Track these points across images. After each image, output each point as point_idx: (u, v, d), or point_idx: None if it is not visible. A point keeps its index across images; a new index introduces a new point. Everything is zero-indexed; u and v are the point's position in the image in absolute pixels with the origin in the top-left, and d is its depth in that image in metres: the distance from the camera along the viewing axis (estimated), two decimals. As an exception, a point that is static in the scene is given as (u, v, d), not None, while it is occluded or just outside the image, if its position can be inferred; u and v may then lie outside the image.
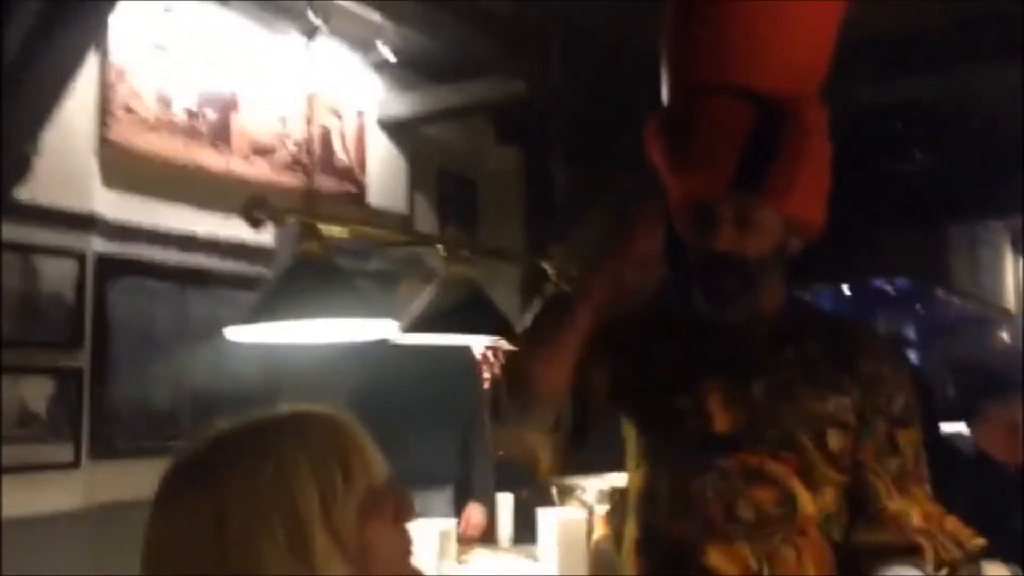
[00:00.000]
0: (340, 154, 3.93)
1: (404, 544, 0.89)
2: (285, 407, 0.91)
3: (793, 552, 1.45)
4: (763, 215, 1.45)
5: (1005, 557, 3.26)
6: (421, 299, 2.46)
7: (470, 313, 2.48)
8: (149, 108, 3.17)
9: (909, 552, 1.47)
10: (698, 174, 1.47)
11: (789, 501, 1.45)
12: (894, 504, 1.49)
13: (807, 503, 1.46)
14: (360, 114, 4.05)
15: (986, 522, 3.47)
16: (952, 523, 1.58)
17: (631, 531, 1.57)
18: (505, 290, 4.22)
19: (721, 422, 1.47)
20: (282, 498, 0.81)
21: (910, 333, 9.46)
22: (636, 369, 1.56)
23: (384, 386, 3.28)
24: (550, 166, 3.83)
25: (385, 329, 2.16)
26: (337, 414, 0.91)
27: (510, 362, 1.53)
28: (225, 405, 3.44)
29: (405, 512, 0.89)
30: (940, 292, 8.45)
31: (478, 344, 4.49)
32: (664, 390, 1.52)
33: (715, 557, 1.43)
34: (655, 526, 1.51)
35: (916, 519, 1.50)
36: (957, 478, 3.58)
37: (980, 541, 1.59)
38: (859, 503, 1.50)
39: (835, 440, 1.48)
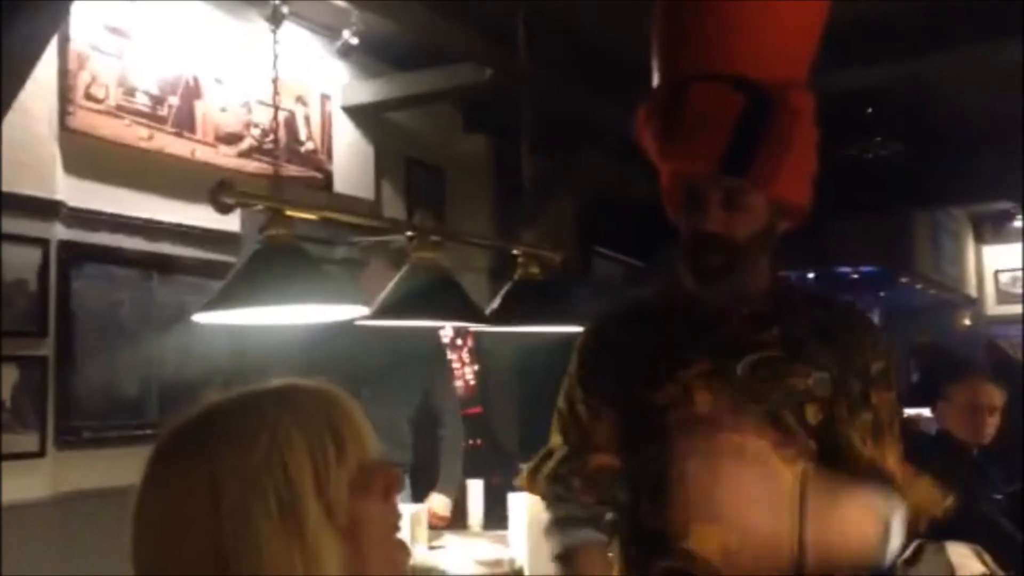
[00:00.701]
0: (306, 141, 3.91)
1: (393, 519, 0.89)
2: (276, 380, 0.91)
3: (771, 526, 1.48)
4: (750, 198, 1.49)
5: (966, 535, 3.33)
6: (390, 284, 2.46)
7: (438, 298, 2.48)
8: (111, 95, 3.13)
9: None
10: (687, 158, 1.51)
11: (769, 477, 1.47)
12: (868, 451, 1.53)
13: (786, 477, 1.48)
14: (325, 100, 4.03)
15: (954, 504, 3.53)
16: (925, 482, 1.63)
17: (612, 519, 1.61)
18: (473, 276, 4.23)
19: (705, 404, 1.50)
20: (275, 470, 0.81)
21: (875, 318, 9.58)
22: (616, 361, 1.59)
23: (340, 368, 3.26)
24: (518, 153, 3.83)
25: (353, 313, 2.16)
26: (329, 387, 0.91)
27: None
28: (193, 393, 3.43)
29: (393, 487, 0.89)
30: (903, 278, 8.56)
31: (446, 329, 4.51)
32: (647, 378, 1.54)
33: (695, 539, 1.46)
34: (636, 513, 1.54)
35: (890, 463, 1.54)
36: (920, 459, 3.65)
37: (949, 501, 1.67)
38: (832, 455, 1.52)
39: (812, 413, 1.51)
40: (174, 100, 3.34)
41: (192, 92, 3.41)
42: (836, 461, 1.52)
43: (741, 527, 1.45)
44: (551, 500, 1.64)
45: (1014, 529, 3.51)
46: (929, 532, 3.24)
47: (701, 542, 1.46)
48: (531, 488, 1.69)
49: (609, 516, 1.60)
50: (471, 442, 4.64)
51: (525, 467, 1.69)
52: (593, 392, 1.61)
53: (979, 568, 3.10)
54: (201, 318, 2.00)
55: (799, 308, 1.59)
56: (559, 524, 1.62)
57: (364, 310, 2.19)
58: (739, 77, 1.49)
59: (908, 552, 3.22)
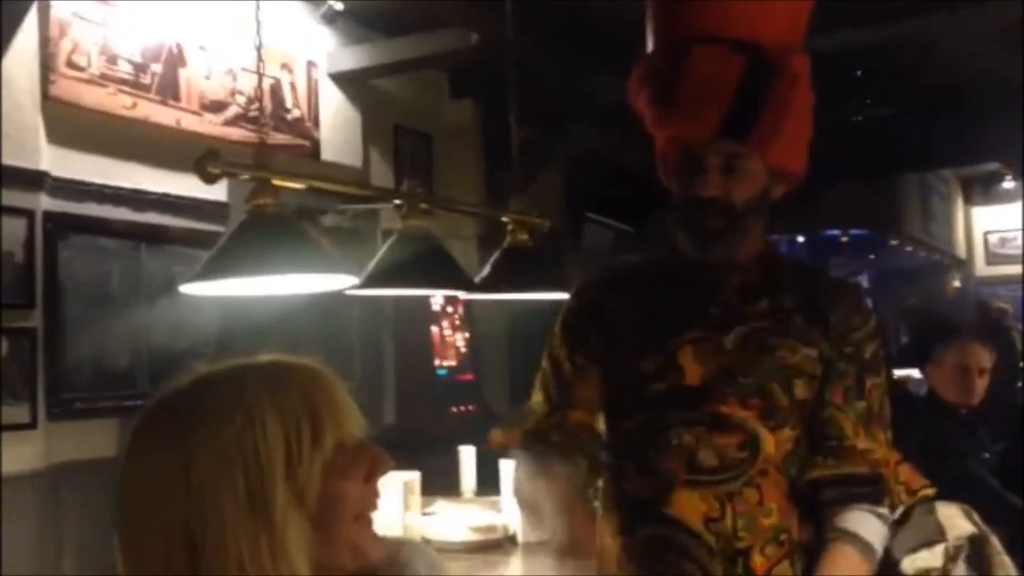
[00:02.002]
0: (292, 108, 3.87)
1: (369, 502, 0.88)
2: (265, 356, 0.90)
3: (755, 492, 1.49)
4: (749, 163, 1.49)
5: (955, 495, 3.35)
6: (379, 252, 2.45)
7: (428, 266, 2.47)
8: (93, 63, 3.09)
9: (870, 483, 1.53)
10: (686, 122, 1.49)
11: (752, 444, 1.49)
12: (860, 442, 1.53)
13: (769, 444, 1.49)
14: (311, 67, 3.99)
15: (937, 461, 3.57)
16: (906, 470, 1.64)
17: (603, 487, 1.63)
18: (463, 244, 4.22)
19: (693, 375, 1.49)
20: (247, 449, 0.81)
21: (864, 281, 9.62)
22: (604, 324, 1.59)
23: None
24: (506, 119, 3.81)
25: (342, 283, 2.15)
26: (316, 366, 0.90)
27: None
28: (183, 363, 3.42)
29: (377, 469, 0.88)
30: (893, 241, 8.58)
31: (436, 297, 4.50)
32: (636, 344, 1.53)
33: (677, 505, 1.47)
34: (620, 479, 1.55)
35: (881, 454, 1.56)
36: (910, 419, 3.68)
37: (930, 491, 1.66)
38: (822, 439, 1.54)
39: (801, 389, 1.51)
40: (157, 68, 3.30)
41: (176, 59, 3.37)
42: (824, 446, 1.53)
43: (726, 495, 1.47)
44: (524, 447, 1.61)
45: (1002, 488, 3.55)
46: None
47: (682, 508, 1.47)
48: (506, 441, 1.70)
49: (583, 464, 1.59)
50: (463, 408, 4.66)
51: (500, 426, 1.73)
52: (579, 351, 1.61)
53: (968, 528, 3.13)
54: (189, 289, 1.99)
55: (787, 279, 1.59)
56: (529, 459, 1.59)
57: (353, 280, 2.19)
58: (738, 40, 1.48)
59: (897, 513, 3.26)
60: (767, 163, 1.51)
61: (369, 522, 0.89)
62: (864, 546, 1.51)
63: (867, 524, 1.53)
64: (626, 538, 1.53)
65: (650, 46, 1.61)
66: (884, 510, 1.56)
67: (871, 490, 1.53)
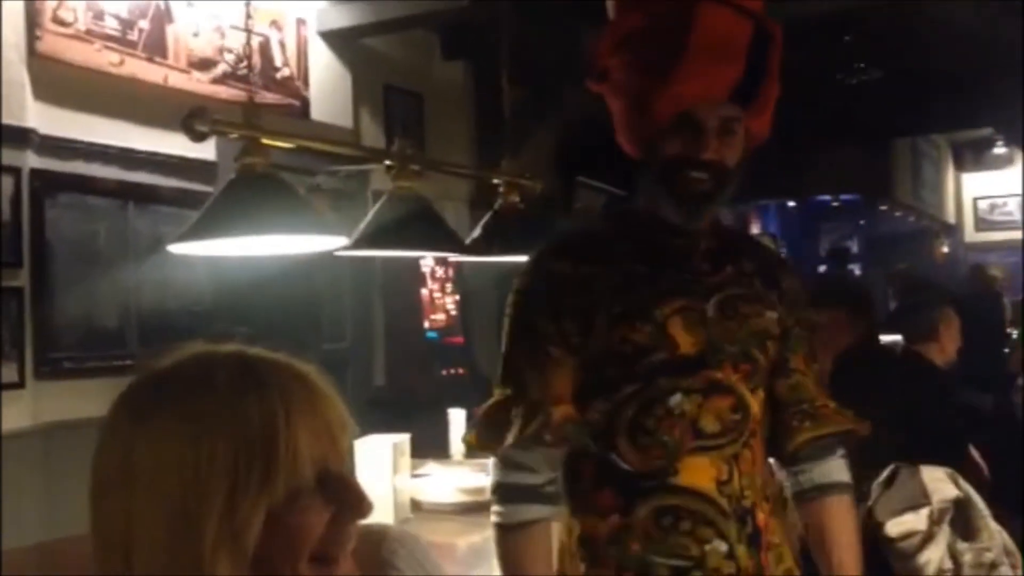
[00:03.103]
0: (281, 67, 3.83)
1: (335, 544, 0.78)
2: (255, 349, 0.81)
3: (750, 452, 1.54)
4: (740, 127, 1.51)
5: (938, 457, 3.40)
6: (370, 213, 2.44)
7: (419, 228, 2.46)
8: (79, 18, 3.04)
9: (841, 437, 1.65)
10: (700, 82, 1.47)
11: (743, 406, 1.52)
12: (822, 399, 1.64)
13: (755, 405, 1.55)
14: (301, 25, 3.94)
15: (922, 423, 3.62)
16: (849, 412, 1.71)
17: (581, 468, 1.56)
18: (454, 206, 4.20)
19: (686, 344, 1.50)
20: (187, 468, 0.73)
21: (853, 246, 9.65)
22: (581, 304, 1.52)
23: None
24: (498, 80, 3.77)
25: (332, 244, 2.14)
26: (307, 382, 0.79)
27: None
28: (173, 323, 3.41)
29: (351, 512, 0.79)
30: (882, 206, 8.59)
31: (427, 259, 4.49)
32: (621, 317, 1.50)
33: (685, 475, 1.48)
34: (614, 458, 1.50)
35: (835, 405, 1.66)
36: (895, 384, 3.71)
37: (867, 428, 1.72)
38: (796, 404, 1.61)
39: (771, 351, 1.58)
40: (144, 24, 3.25)
41: (163, 16, 3.32)
42: (800, 410, 1.61)
43: (731, 457, 1.50)
44: (506, 464, 1.53)
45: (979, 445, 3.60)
46: (901, 454, 3.31)
47: (693, 475, 1.48)
48: (483, 447, 1.56)
49: (553, 488, 1.53)
50: (453, 371, 4.66)
51: (471, 426, 1.57)
52: (555, 336, 1.51)
53: (953, 491, 3.17)
54: (177, 249, 1.97)
55: (740, 246, 1.64)
56: (509, 493, 1.52)
57: (343, 240, 2.18)
58: (740, 3, 1.48)
59: (883, 475, 3.29)
60: (751, 129, 1.54)
61: (334, 563, 0.78)
62: (851, 489, 1.66)
63: (845, 470, 1.67)
64: (626, 515, 1.49)
65: (614, 8, 1.59)
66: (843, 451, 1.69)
67: (839, 440, 1.66)
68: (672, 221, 1.54)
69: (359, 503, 0.78)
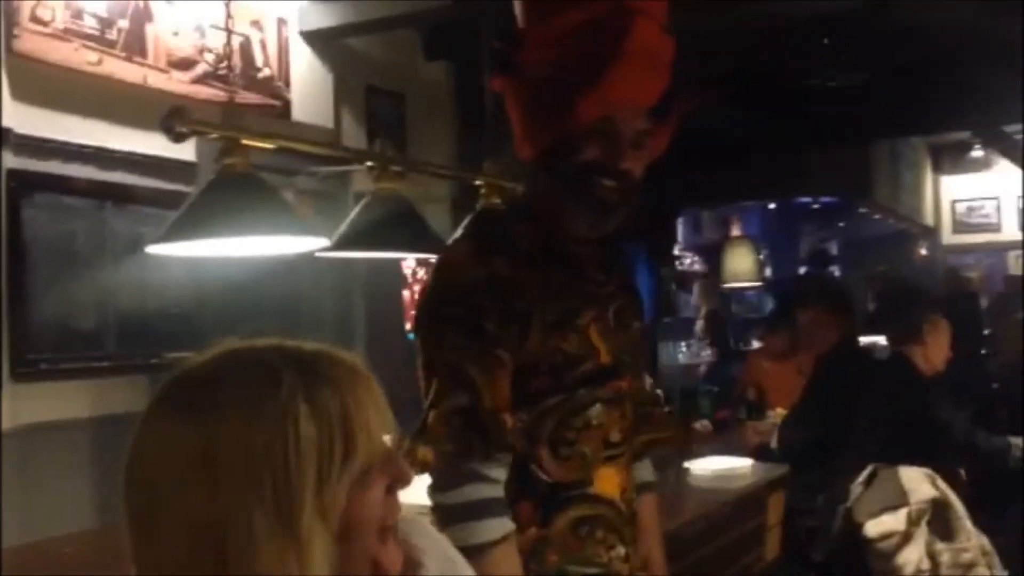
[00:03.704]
0: (262, 67, 3.81)
1: (391, 517, 0.84)
2: (309, 344, 0.84)
3: (630, 458, 1.62)
4: (648, 141, 1.54)
5: (919, 458, 3.42)
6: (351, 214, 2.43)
7: (400, 229, 2.45)
8: (57, 17, 3.02)
9: (670, 442, 1.76)
10: (623, 91, 1.48)
11: (630, 415, 1.60)
12: (656, 407, 1.77)
13: (632, 414, 1.62)
14: (282, 25, 3.92)
15: (902, 425, 3.64)
16: None
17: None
18: (436, 207, 4.19)
19: (604, 354, 1.53)
20: (277, 457, 0.76)
21: (833, 248, 9.70)
22: (523, 313, 1.47)
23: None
24: (480, 81, 3.77)
25: (313, 245, 2.13)
26: (349, 362, 0.84)
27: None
28: (151, 324, 3.38)
29: (399, 483, 0.84)
30: (862, 208, 8.64)
31: (408, 260, 4.48)
32: (553, 327, 1.48)
33: (599, 484, 1.52)
34: (534, 469, 1.48)
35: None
36: (877, 386, 3.74)
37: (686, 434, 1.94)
38: (641, 406, 1.69)
39: (642, 360, 1.69)
40: (123, 23, 3.22)
41: (142, 15, 3.29)
42: (642, 412, 1.71)
43: (627, 465, 1.58)
44: (473, 478, 1.42)
45: (962, 450, 3.62)
46: (882, 455, 3.33)
47: (605, 484, 1.52)
48: (449, 462, 1.43)
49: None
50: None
51: (424, 441, 1.45)
52: (503, 339, 1.45)
53: (931, 492, 3.19)
54: (155, 250, 1.96)
55: (614, 255, 1.69)
56: (474, 509, 1.42)
57: (324, 241, 2.17)
58: (663, 22, 1.53)
59: (862, 476, 3.31)
60: (653, 145, 1.56)
61: (390, 535, 0.84)
62: (655, 487, 1.79)
63: (652, 470, 1.78)
64: (544, 527, 1.47)
65: (525, 16, 1.58)
66: None
67: (658, 444, 1.80)
68: (576, 228, 1.54)
69: (406, 474, 0.84)
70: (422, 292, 1.55)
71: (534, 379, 1.47)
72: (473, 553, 1.32)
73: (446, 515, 1.41)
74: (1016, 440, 3.52)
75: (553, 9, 1.54)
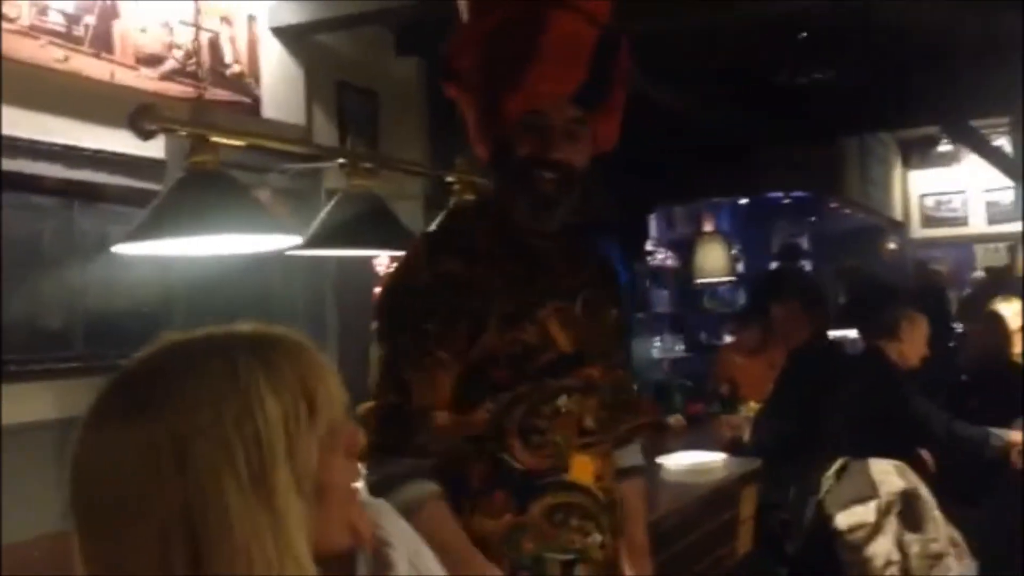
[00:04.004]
0: (232, 63, 3.78)
1: (353, 480, 0.87)
2: (245, 326, 0.86)
3: (609, 446, 1.65)
4: (586, 130, 1.57)
5: (889, 450, 3.46)
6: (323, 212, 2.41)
7: (373, 227, 2.44)
8: (23, 13, 2.97)
9: (653, 428, 1.78)
10: (549, 82, 1.52)
11: (606, 405, 1.63)
12: (636, 394, 1.81)
13: (611, 401, 1.66)
14: (252, 21, 3.89)
15: (877, 419, 3.68)
16: None
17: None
18: (408, 204, 4.17)
19: (566, 344, 1.56)
20: (247, 435, 0.77)
21: (804, 243, 9.76)
22: (474, 309, 1.51)
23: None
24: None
25: (284, 243, 2.11)
26: (300, 338, 0.86)
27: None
28: (120, 324, 3.35)
29: (356, 446, 0.87)
30: (832, 203, 8.71)
31: (381, 258, 4.46)
32: (509, 319, 1.52)
33: (574, 471, 1.56)
34: (506, 459, 1.52)
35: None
36: (850, 379, 3.77)
37: (664, 420, 2.00)
38: (618, 394, 1.71)
39: (620, 347, 1.71)
40: (90, 20, 3.18)
41: (109, 11, 3.25)
42: (621, 400, 1.73)
43: (604, 453, 1.61)
44: (385, 462, 1.47)
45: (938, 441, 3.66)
46: (854, 447, 3.36)
47: (580, 472, 1.55)
48: (374, 456, 1.48)
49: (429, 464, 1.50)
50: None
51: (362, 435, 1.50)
52: (445, 339, 1.49)
53: (900, 484, 3.23)
54: (124, 249, 1.94)
55: (585, 246, 1.72)
56: (393, 480, 1.46)
57: (296, 239, 2.15)
58: (588, 11, 1.54)
59: (833, 469, 3.34)
60: (598, 134, 1.59)
61: (358, 499, 0.87)
62: (643, 471, 1.84)
63: (640, 454, 1.82)
64: (518, 514, 1.51)
65: (467, 11, 1.62)
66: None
67: (643, 430, 1.83)
68: (524, 222, 1.58)
69: (360, 440, 0.88)
70: (380, 292, 1.60)
71: (494, 371, 1.51)
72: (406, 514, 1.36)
73: (370, 492, 1.44)
74: (995, 431, 3.57)
75: (478, 12, 1.59)
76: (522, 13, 1.53)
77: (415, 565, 0.93)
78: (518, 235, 1.58)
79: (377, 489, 1.44)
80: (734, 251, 8.94)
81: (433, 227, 1.68)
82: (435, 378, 1.49)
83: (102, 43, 3.22)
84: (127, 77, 3.30)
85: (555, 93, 1.52)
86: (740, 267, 9.19)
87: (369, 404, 1.52)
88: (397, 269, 1.59)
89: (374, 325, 1.58)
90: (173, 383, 0.79)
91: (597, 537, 1.56)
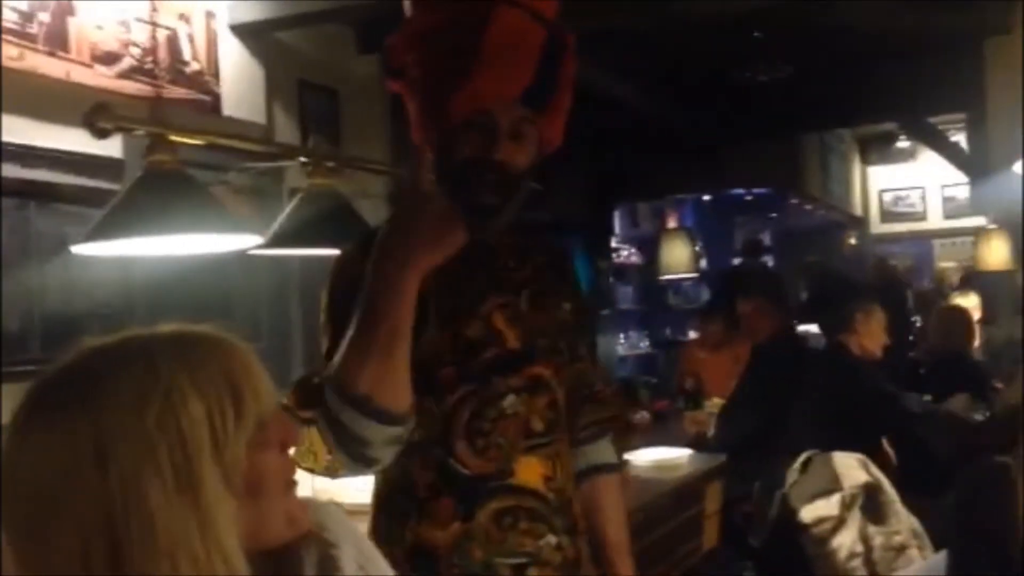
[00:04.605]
0: (190, 61, 3.73)
1: (289, 474, 0.87)
2: (167, 327, 0.85)
3: (564, 445, 1.60)
4: (533, 131, 1.52)
5: (853, 444, 3.49)
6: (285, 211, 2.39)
7: (335, 225, 2.42)
8: (-25, 10, 2.91)
9: (613, 421, 1.76)
10: (493, 81, 1.47)
11: (557, 404, 1.58)
12: (605, 387, 1.75)
13: (563, 399, 1.60)
14: (210, 18, 3.84)
15: (840, 413, 3.71)
16: None
17: (415, 476, 1.51)
18: (371, 203, 4.15)
19: (511, 339, 1.53)
20: (170, 434, 0.77)
21: (766, 239, 9.86)
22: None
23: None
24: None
25: (245, 243, 2.09)
26: (224, 335, 0.86)
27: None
28: (79, 326, 3.29)
29: (290, 440, 0.87)
30: (793, 199, 8.79)
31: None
32: (451, 314, 1.50)
33: (521, 474, 1.51)
34: (452, 463, 1.49)
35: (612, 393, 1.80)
36: (814, 374, 3.81)
37: (631, 411, 1.95)
38: (580, 388, 1.68)
39: (573, 342, 1.65)
40: (45, 17, 3.12)
41: (64, 8, 3.20)
42: (583, 395, 1.70)
43: (554, 454, 1.55)
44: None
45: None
46: (819, 441, 3.40)
47: (527, 474, 1.51)
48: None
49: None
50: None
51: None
52: None
53: (863, 477, 3.26)
54: (81, 249, 1.91)
55: (533, 241, 1.68)
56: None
57: (257, 239, 2.13)
58: (534, 9, 1.50)
59: (798, 463, 3.37)
60: (544, 135, 1.55)
61: (296, 490, 0.88)
62: (619, 468, 1.81)
63: (613, 451, 1.77)
64: (466, 521, 1.47)
65: (417, 4, 1.59)
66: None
67: (610, 423, 1.76)
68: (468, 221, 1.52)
69: (296, 433, 0.89)
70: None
71: (440, 370, 1.48)
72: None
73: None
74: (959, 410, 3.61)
75: (422, 8, 1.56)
76: (467, 9, 1.49)
77: (364, 568, 0.92)
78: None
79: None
80: (697, 247, 9.01)
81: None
82: None
83: (57, 41, 3.16)
84: (83, 75, 3.24)
85: (502, 94, 1.48)
86: (703, 263, 9.26)
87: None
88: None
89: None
90: (94, 385, 0.79)
91: (551, 539, 1.52)
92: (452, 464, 1.48)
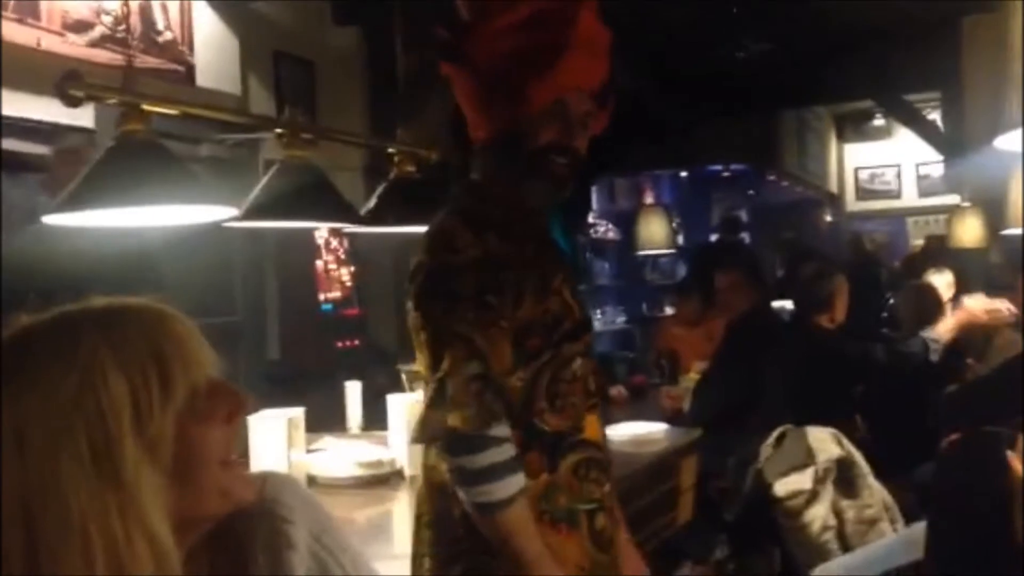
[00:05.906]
0: (164, 30, 3.67)
1: (229, 445, 0.85)
2: (98, 300, 0.84)
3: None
4: (593, 124, 1.71)
5: (827, 417, 3.52)
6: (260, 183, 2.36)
7: (311, 197, 2.40)
8: (-59, -26, 2.85)
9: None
10: (575, 75, 1.64)
11: (598, 368, 1.77)
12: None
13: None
14: (185, -13, 3.78)
15: (810, 386, 3.74)
16: None
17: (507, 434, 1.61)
18: (347, 175, 4.12)
19: (578, 311, 1.70)
20: (88, 408, 0.75)
21: (743, 215, 9.88)
22: (515, 282, 1.62)
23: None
24: (391, 47, 3.70)
25: (218, 214, 2.06)
26: (157, 306, 0.84)
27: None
28: (49, 300, 3.24)
29: (237, 411, 0.85)
30: (770, 176, 8.82)
31: (321, 229, 4.41)
32: (536, 290, 1.64)
33: (587, 430, 1.69)
34: (536, 422, 1.64)
35: None
36: (788, 349, 3.83)
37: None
38: None
39: None
40: (14, -17, 3.06)
41: (34, -25, 3.13)
42: None
43: (601, 412, 1.75)
44: (483, 444, 1.55)
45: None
46: (793, 415, 3.42)
47: (591, 430, 1.69)
48: (475, 427, 1.55)
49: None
50: (348, 343, 4.60)
51: (441, 408, 1.55)
52: (503, 309, 1.59)
53: (836, 451, 3.29)
54: (52, 220, 1.88)
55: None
56: (494, 471, 1.55)
57: (231, 211, 2.11)
58: (598, 8, 1.68)
59: (772, 437, 3.40)
60: (593, 128, 1.71)
61: (235, 464, 0.85)
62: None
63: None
64: (551, 472, 1.63)
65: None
66: None
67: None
68: (533, 202, 1.71)
69: (244, 400, 0.86)
70: (419, 269, 1.64)
71: (529, 340, 1.62)
72: (495, 509, 1.54)
73: (469, 477, 1.55)
74: (930, 335, 3.65)
75: (502, 5, 1.67)
76: (554, 9, 1.63)
77: (320, 541, 0.91)
78: (525, 214, 1.70)
79: (480, 477, 1.54)
80: (675, 223, 9.01)
81: (457, 206, 1.70)
82: (502, 347, 1.59)
83: (27, 9, 3.10)
84: (54, 44, 3.19)
85: (583, 86, 1.65)
86: (680, 239, 9.28)
87: (453, 380, 1.53)
88: (446, 249, 1.61)
89: (425, 305, 1.61)
90: (16, 365, 0.77)
91: (607, 487, 1.71)
92: (536, 423, 1.63)
